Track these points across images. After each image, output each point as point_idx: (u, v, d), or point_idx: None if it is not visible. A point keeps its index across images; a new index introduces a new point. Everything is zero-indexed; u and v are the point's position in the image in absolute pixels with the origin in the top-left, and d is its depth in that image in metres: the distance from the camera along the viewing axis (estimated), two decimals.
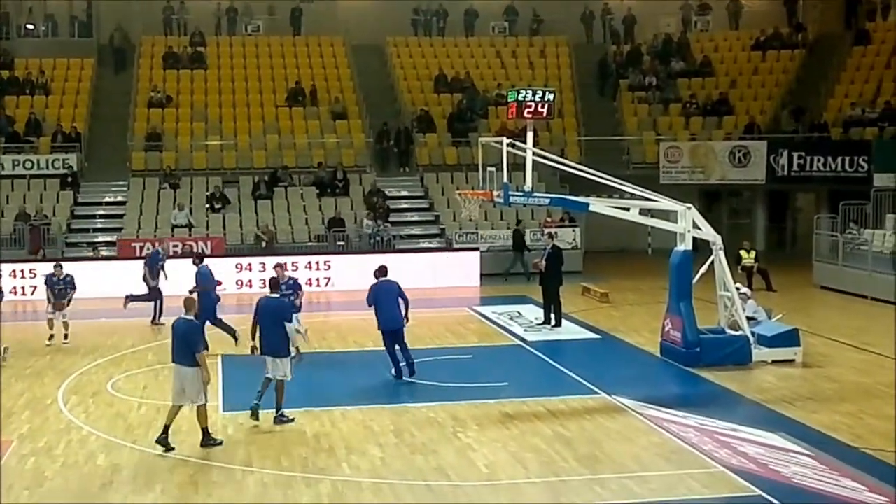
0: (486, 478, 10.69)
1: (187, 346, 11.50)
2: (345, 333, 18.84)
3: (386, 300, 14.61)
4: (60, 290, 18.09)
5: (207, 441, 11.72)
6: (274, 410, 12.71)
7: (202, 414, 11.70)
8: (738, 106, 33.38)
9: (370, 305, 14.76)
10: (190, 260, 18.15)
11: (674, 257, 15.95)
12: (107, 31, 34.29)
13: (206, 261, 18.02)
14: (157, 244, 22.38)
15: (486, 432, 12.28)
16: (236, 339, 16.91)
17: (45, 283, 18.36)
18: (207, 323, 16.32)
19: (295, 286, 15.86)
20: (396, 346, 14.82)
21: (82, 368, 16.10)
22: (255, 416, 12.64)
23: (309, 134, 31.12)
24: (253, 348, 12.94)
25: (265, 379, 12.77)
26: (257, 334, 12.76)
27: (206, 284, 17.01)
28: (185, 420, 12.93)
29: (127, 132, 30.55)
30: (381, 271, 14.90)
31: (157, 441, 11.59)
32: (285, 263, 18.11)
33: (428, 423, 12.68)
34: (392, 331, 14.69)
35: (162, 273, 20.22)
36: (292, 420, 12.72)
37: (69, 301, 18.16)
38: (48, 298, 18.23)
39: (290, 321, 12.87)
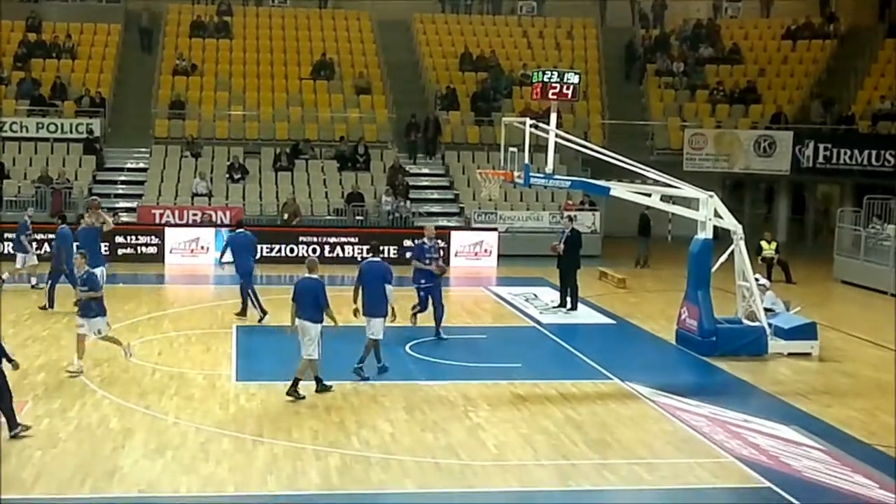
0: (495, 458, 10.71)
1: (316, 303, 12.54)
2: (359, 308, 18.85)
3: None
4: None
5: (322, 387, 12.83)
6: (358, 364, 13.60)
7: (313, 366, 12.74)
8: (765, 95, 33.06)
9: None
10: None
11: (693, 245, 15.87)
12: None
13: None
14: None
15: (496, 413, 12.31)
16: (47, 307, 17.80)
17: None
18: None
19: (91, 280, 13.58)
20: None
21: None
22: (361, 375, 13.55)
23: (332, 108, 31.08)
24: (355, 311, 13.68)
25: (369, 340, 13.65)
26: (359, 297, 13.56)
27: (63, 244, 17.74)
28: (198, 388, 13.05)
29: (151, 99, 30.63)
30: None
31: (289, 393, 12.54)
32: (85, 252, 14.72)
33: (439, 402, 12.71)
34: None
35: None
36: (366, 378, 13.45)
37: None
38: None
39: (391, 283, 13.52)
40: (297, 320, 12.71)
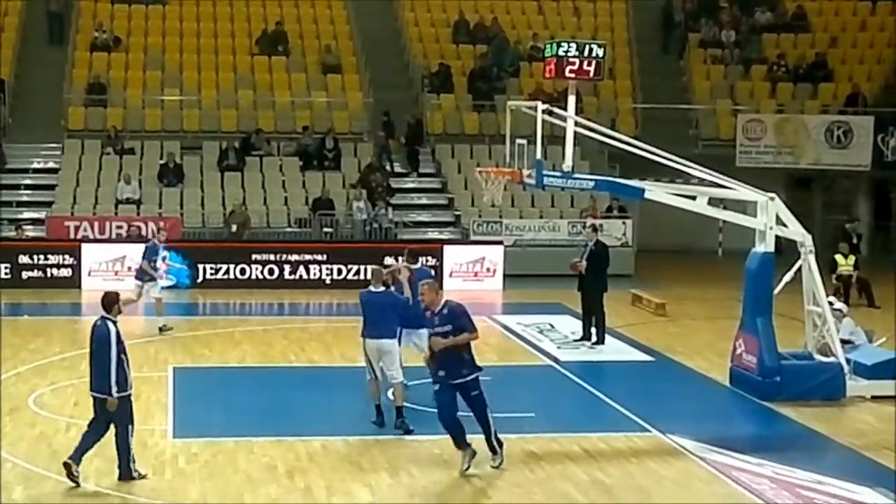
0: None
1: (394, 317, 13.76)
2: (329, 344, 18.89)
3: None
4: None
5: (402, 424, 13.74)
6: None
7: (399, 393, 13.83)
8: (838, 70, 33.24)
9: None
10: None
11: (751, 261, 15.91)
12: None
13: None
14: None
15: (504, 475, 12.28)
16: None
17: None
18: None
19: None
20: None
21: None
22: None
23: (292, 91, 31.16)
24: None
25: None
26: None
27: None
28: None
29: (63, 82, 30.67)
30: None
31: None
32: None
33: (431, 461, 12.71)
34: None
35: None
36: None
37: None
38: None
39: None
40: (367, 341, 13.74)
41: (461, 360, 12.13)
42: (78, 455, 11.54)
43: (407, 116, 30.14)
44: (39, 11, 33.58)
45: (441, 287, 24.68)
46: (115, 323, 11.61)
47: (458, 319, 12.11)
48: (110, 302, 11.75)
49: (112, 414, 11.52)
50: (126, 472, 11.67)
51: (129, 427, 11.72)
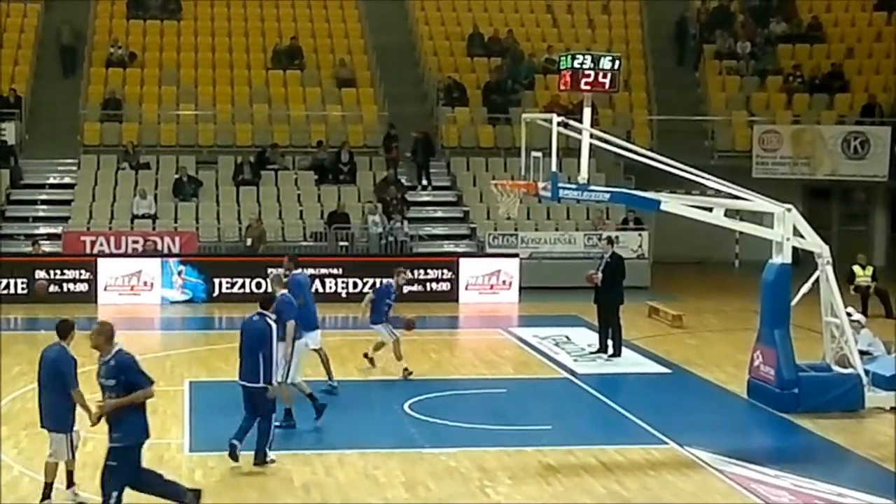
0: None
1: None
2: (345, 358, 18.89)
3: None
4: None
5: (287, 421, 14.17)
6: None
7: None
8: (854, 81, 33.18)
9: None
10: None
11: (768, 272, 15.89)
12: None
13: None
14: None
15: (520, 488, 12.28)
16: None
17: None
18: None
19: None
20: None
21: (15, 393, 16.22)
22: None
23: (307, 105, 31.24)
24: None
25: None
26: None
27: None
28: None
29: (79, 97, 30.83)
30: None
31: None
32: None
33: (448, 474, 12.70)
34: None
35: None
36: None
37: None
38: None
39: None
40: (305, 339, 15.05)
41: (119, 419, 10.40)
42: (241, 434, 12.61)
43: (414, 131, 30.07)
44: (56, 29, 33.80)
45: (457, 300, 25.18)
46: (274, 320, 12.69)
47: (128, 374, 10.35)
48: (269, 300, 13.02)
49: (267, 402, 12.49)
50: (261, 457, 12.60)
51: (273, 416, 12.66)
